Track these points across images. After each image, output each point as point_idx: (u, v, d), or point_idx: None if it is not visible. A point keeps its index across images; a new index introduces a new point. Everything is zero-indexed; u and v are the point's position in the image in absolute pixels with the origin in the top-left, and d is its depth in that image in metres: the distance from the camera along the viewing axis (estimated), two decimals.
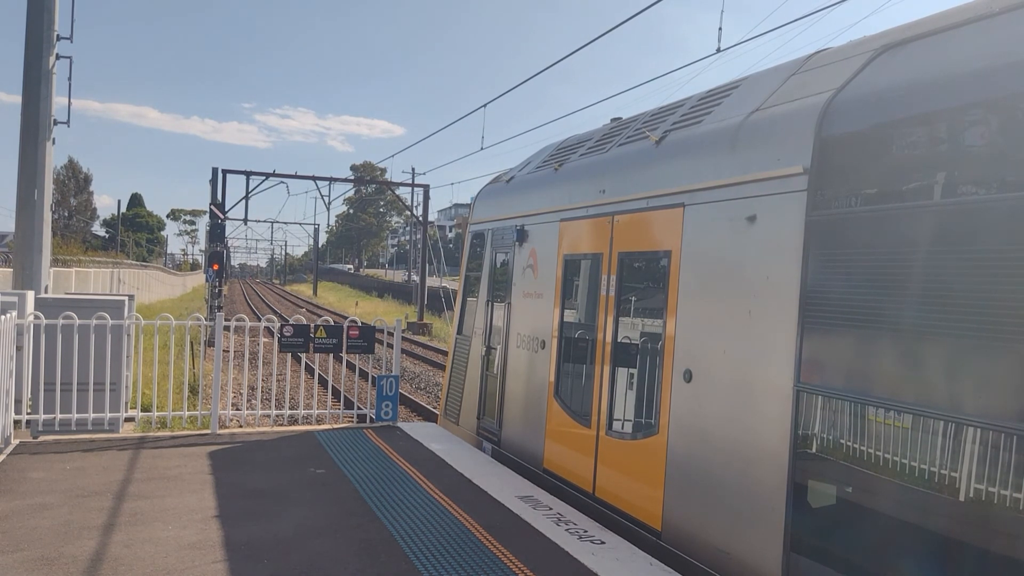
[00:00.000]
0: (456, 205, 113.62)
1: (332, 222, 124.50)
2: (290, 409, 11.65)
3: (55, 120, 13.24)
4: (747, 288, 5.24)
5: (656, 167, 6.55)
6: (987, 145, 3.86)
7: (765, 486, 4.91)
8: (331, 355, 10.20)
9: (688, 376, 5.74)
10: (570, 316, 7.78)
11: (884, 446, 4.14)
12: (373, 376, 11.13)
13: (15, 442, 8.24)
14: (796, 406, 4.71)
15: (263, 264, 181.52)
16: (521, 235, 8.89)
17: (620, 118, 8.67)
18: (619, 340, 6.83)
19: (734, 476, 5.21)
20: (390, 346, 10.40)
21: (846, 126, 4.69)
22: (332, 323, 10.02)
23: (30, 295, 10.69)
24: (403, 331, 12.51)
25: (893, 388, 4.10)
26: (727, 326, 5.39)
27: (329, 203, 43.59)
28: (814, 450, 4.64)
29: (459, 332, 10.63)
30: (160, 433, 9.25)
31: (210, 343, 19.91)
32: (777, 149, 5.14)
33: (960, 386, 3.77)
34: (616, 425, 6.78)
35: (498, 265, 9.58)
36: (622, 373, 6.77)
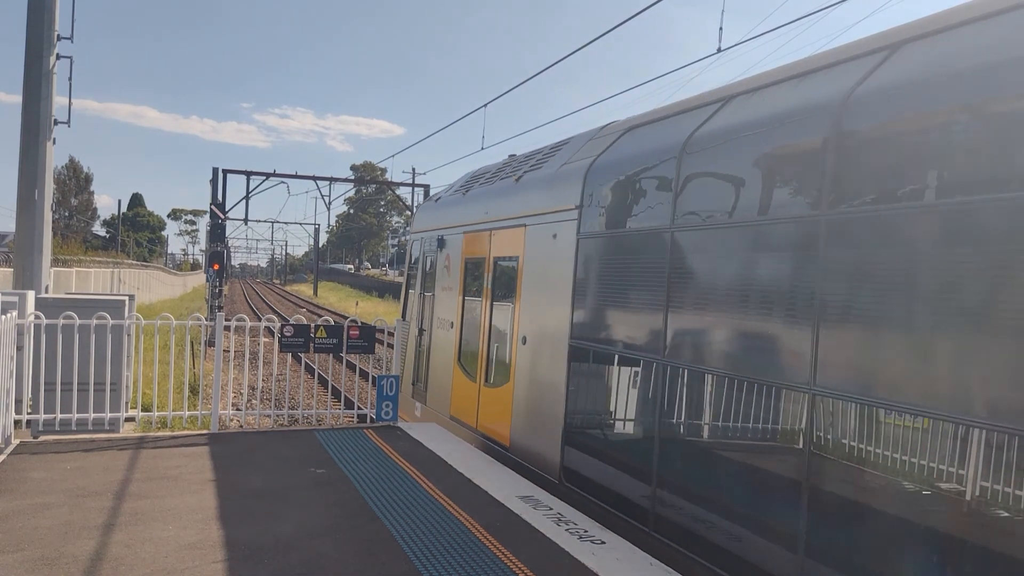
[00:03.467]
0: None
1: (332, 222, 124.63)
2: (290, 409, 11.65)
3: (55, 120, 13.25)
4: (552, 280, 7.77)
5: (514, 197, 9.13)
6: (655, 201, 6.23)
7: (554, 406, 7.51)
8: (331, 355, 10.20)
9: (524, 341, 8.33)
10: (468, 303, 10.22)
11: (617, 373, 6.57)
12: (373, 376, 11.13)
13: (15, 442, 8.24)
14: (569, 354, 7.29)
15: (263, 264, 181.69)
16: (441, 243, 11.31)
17: (515, 155, 11.09)
18: (492, 319, 9.38)
19: (542, 403, 7.83)
20: (390, 346, 10.41)
21: (596, 181, 7.23)
22: (332, 323, 10.02)
23: (31, 295, 10.68)
24: None
25: (614, 336, 6.60)
26: (542, 305, 7.98)
27: (329, 203, 43.54)
28: (578, 381, 7.19)
29: (403, 318, 12.81)
30: (160, 433, 9.25)
31: (210, 343, 19.95)
32: (566, 191, 7.72)
33: (643, 335, 6.14)
34: (489, 378, 9.32)
35: (427, 266, 12.04)
36: (494, 342, 9.29)
